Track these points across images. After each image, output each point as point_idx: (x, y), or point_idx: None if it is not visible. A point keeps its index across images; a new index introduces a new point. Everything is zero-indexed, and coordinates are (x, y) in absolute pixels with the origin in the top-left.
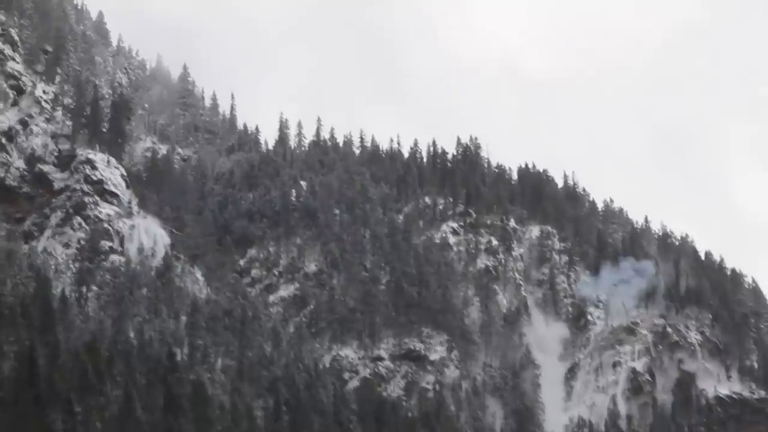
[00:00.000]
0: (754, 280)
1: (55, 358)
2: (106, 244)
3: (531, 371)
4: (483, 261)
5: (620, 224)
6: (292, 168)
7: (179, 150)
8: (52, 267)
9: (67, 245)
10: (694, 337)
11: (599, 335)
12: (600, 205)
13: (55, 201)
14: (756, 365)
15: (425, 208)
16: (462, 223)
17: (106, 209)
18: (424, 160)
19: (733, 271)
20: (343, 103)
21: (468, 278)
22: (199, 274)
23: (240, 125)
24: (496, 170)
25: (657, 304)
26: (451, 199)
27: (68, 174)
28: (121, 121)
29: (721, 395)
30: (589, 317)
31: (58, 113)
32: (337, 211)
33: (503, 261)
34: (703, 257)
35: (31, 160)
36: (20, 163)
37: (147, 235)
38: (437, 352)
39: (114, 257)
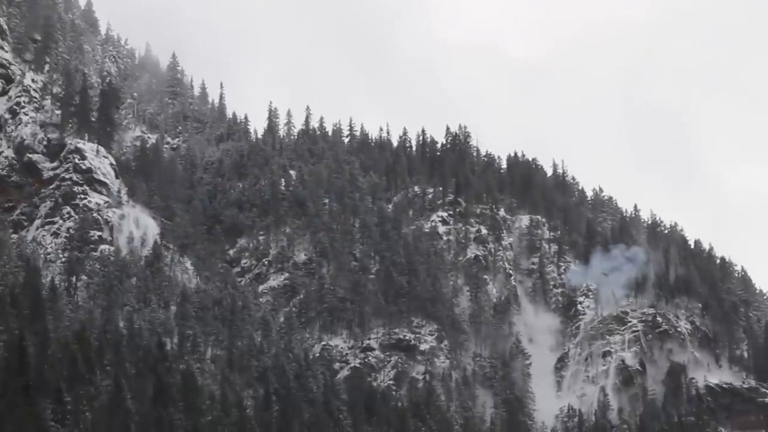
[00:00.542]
0: (743, 269)
1: (45, 347)
2: (95, 233)
3: (521, 361)
4: (473, 250)
5: (609, 213)
6: (282, 157)
7: (168, 139)
8: (42, 256)
9: (56, 234)
10: (683, 326)
11: (589, 324)
12: (589, 194)
13: (45, 190)
14: (746, 354)
15: (414, 197)
16: (451, 213)
17: (95, 198)
18: (414, 149)
19: (723, 259)
20: (331, 90)
21: (458, 268)
22: (188, 264)
23: (229, 114)
24: (485, 159)
25: (647, 294)
26: (440, 189)
27: (57, 163)
28: (110, 110)
29: (711, 384)
30: (579, 306)
31: (47, 102)
32: (326, 201)
33: (493, 250)
34: (692, 246)
35: (20, 149)
36: (9, 153)
37: (136, 225)
38: (427, 341)
39: (103, 246)
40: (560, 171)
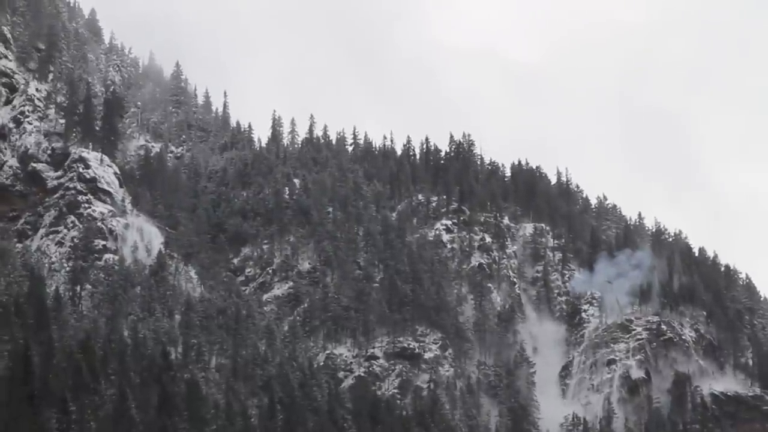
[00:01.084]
0: (747, 276)
1: (50, 356)
2: (99, 242)
3: (525, 369)
4: (477, 258)
5: (614, 221)
6: (285, 166)
7: (172, 148)
8: (46, 266)
9: (60, 244)
10: (688, 334)
11: (593, 333)
12: (593, 202)
13: (49, 199)
14: (750, 362)
15: (418, 205)
16: (455, 221)
17: (99, 208)
18: (417, 157)
19: (727, 267)
20: (332, 95)
21: (462, 276)
22: (192, 273)
23: (233, 123)
24: (489, 167)
25: (651, 302)
26: (444, 197)
27: (61, 172)
28: (114, 119)
29: (715, 392)
30: (583, 314)
31: (51, 111)
32: (330, 209)
33: (497, 258)
34: (696, 253)
35: (24, 158)
36: (13, 162)
37: (140, 234)
38: (431, 350)
39: (108, 256)
40: (564, 179)
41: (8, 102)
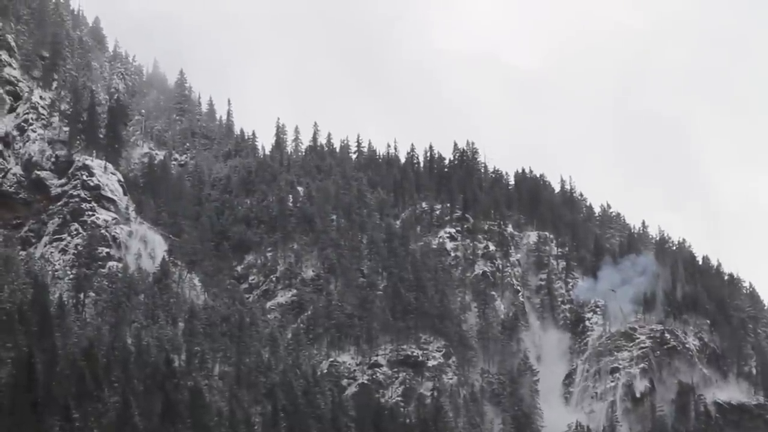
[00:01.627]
0: (751, 285)
1: (53, 364)
2: (103, 250)
3: (529, 377)
4: (480, 267)
5: (617, 229)
6: (289, 173)
7: (176, 156)
8: (50, 273)
9: (64, 251)
10: (692, 343)
11: (597, 341)
12: (597, 210)
13: (53, 207)
14: (754, 371)
15: (422, 213)
16: (459, 229)
17: (103, 215)
18: (421, 165)
19: (731, 276)
20: (335, 101)
21: (465, 284)
22: (196, 280)
23: (237, 131)
24: (493, 175)
25: (655, 310)
26: (448, 205)
27: (65, 180)
28: (117, 127)
29: (719, 401)
30: (587, 323)
31: (55, 119)
32: (334, 217)
33: (501, 266)
34: (700, 262)
35: (28, 166)
36: (17, 169)
37: (144, 242)
38: (435, 358)
39: (111, 263)
40: (568, 187)
41: (12, 110)
